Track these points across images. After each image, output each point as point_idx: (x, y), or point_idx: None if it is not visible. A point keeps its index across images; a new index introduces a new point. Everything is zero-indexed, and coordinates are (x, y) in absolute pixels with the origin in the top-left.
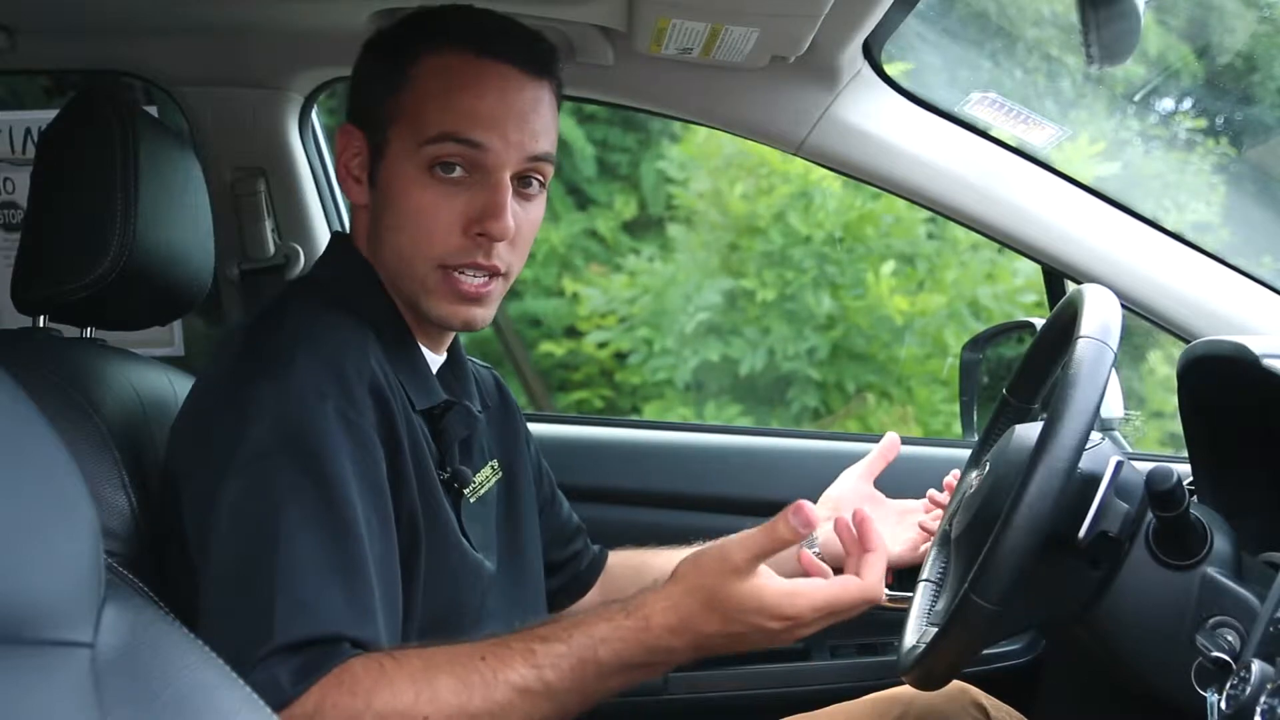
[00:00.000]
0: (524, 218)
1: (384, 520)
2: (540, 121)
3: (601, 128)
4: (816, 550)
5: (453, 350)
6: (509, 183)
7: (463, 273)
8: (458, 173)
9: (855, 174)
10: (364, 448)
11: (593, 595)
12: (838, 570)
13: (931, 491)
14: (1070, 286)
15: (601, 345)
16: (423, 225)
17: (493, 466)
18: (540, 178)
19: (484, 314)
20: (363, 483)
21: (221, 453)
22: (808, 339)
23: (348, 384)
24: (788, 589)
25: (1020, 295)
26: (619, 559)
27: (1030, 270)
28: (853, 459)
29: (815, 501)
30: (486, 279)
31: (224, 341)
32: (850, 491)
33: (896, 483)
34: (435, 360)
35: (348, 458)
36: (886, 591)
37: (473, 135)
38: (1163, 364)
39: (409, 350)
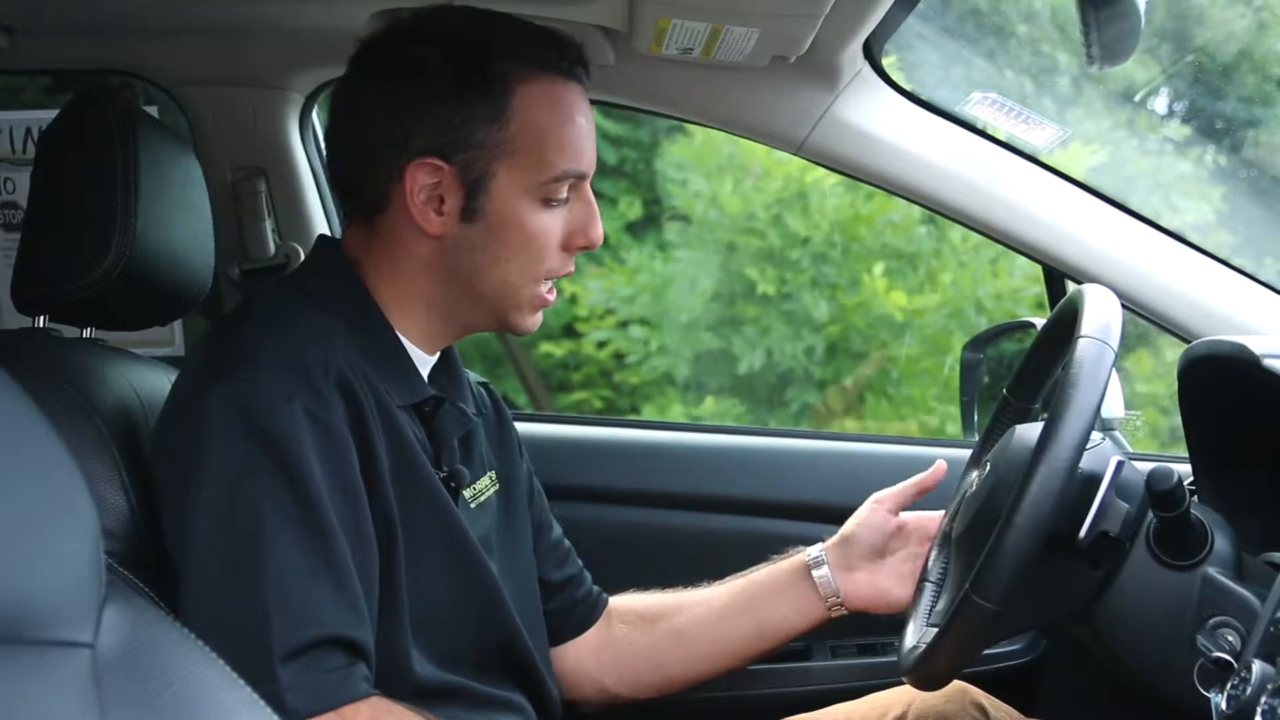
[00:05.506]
0: None
1: (357, 517)
2: None
3: (615, 123)
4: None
5: (446, 353)
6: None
7: (551, 284)
8: (564, 198)
9: (855, 174)
10: (335, 445)
11: (591, 638)
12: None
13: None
14: (1071, 286)
15: (601, 345)
16: (537, 250)
17: (491, 477)
18: None
19: None
20: (334, 482)
21: (194, 458)
22: (805, 339)
23: (313, 381)
24: None
25: (1023, 291)
26: (624, 605)
27: (1029, 266)
28: (851, 459)
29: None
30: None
31: (196, 344)
32: (871, 528)
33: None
34: (426, 360)
35: (319, 459)
36: None
37: (583, 168)
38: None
39: (388, 346)
